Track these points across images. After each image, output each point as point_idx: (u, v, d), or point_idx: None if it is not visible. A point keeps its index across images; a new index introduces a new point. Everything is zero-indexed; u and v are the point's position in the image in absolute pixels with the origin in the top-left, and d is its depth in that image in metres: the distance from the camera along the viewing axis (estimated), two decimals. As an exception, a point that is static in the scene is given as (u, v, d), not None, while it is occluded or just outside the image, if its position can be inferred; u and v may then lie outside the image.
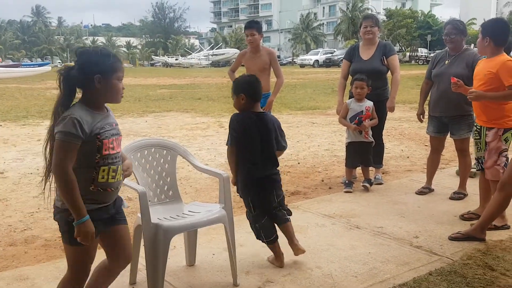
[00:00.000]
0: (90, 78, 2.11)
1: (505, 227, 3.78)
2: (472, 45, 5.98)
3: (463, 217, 4.06)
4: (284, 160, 6.53)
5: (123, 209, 2.37)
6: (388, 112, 5.23)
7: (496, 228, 3.73)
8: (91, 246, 2.16)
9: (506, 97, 3.63)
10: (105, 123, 2.15)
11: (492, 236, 3.61)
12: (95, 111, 2.14)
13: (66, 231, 2.14)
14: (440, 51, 4.94)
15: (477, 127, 3.92)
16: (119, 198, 2.34)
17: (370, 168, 5.18)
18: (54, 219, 2.22)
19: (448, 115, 4.56)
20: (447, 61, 4.56)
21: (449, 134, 4.71)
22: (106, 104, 2.25)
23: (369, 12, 65.00)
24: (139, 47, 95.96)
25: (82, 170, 2.09)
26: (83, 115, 2.07)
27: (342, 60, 5.38)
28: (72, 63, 2.20)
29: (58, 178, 2.04)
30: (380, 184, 5.21)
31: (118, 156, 2.22)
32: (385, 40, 51.88)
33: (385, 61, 5.06)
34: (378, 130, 5.19)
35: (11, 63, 51.50)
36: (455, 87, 3.91)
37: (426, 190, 4.85)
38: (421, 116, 4.92)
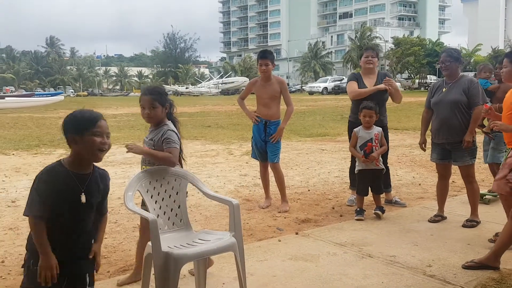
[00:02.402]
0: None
1: None
2: (474, 73, 6.01)
3: (492, 241, 4.00)
4: (294, 187, 6.51)
5: None
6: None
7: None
8: None
9: None
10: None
11: (506, 264, 3.53)
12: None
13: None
14: (437, 80, 5.00)
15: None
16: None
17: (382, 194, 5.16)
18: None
19: (450, 142, 4.58)
20: (444, 89, 4.62)
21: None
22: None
23: (378, 40, 65.86)
24: (150, 76, 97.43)
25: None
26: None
27: (348, 82, 5.59)
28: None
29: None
30: (404, 206, 5.35)
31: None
32: (393, 67, 51.99)
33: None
34: (383, 155, 5.24)
35: (24, 92, 52.46)
36: (486, 114, 3.97)
37: (438, 218, 4.80)
38: (423, 145, 4.93)
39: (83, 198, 2.17)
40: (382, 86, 5.22)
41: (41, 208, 2.12)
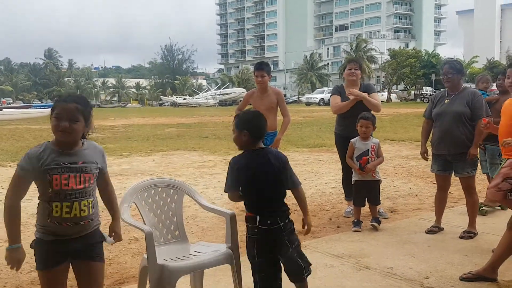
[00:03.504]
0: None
1: None
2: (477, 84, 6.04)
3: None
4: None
5: (102, 246, 2.44)
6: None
7: None
8: (46, 277, 2.30)
9: None
10: (63, 160, 2.26)
11: (504, 276, 3.52)
12: (58, 148, 2.29)
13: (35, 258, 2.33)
14: (439, 91, 5.02)
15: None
16: (97, 234, 2.40)
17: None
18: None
19: (451, 153, 4.58)
20: (447, 100, 4.63)
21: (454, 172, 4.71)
22: (88, 141, 2.40)
23: (374, 52, 66.21)
24: (148, 87, 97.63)
25: (40, 203, 2.31)
26: (38, 150, 2.28)
27: (331, 95, 5.68)
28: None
29: (4, 206, 2.29)
30: (386, 218, 5.30)
31: (74, 193, 2.28)
32: (389, 79, 52.14)
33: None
34: None
35: (22, 104, 52.43)
36: (485, 128, 3.97)
37: (435, 229, 4.78)
38: (425, 154, 4.92)
39: None
40: (351, 98, 5.29)
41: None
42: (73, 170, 2.28)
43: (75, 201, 2.28)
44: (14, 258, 2.27)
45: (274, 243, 2.76)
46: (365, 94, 5.28)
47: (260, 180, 2.77)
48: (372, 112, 5.30)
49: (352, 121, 5.08)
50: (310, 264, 2.86)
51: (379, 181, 4.99)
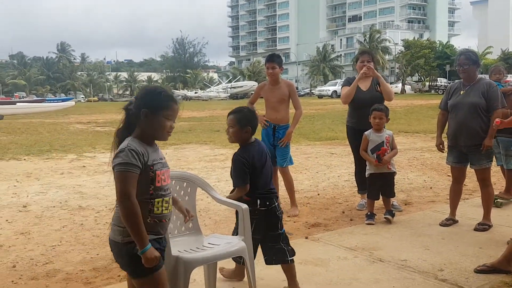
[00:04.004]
0: (139, 112, 2.23)
1: None
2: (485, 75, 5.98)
3: None
4: (304, 191, 6.49)
5: None
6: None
7: None
8: (162, 275, 2.20)
9: None
10: (155, 156, 2.26)
11: (520, 269, 3.48)
12: (145, 144, 2.24)
13: (134, 265, 2.16)
14: (454, 82, 4.95)
15: None
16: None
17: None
18: (114, 255, 2.28)
19: (467, 145, 4.53)
20: (462, 91, 4.58)
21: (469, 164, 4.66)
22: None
23: (388, 43, 65.61)
24: (160, 81, 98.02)
25: (140, 204, 2.14)
26: (137, 146, 2.18)
27: (341, 87, 5.71)
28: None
29: (124, 208, 2.10)
30: (400, 210, 5.24)
31: (169, 188, 2.32)
32: (403, 70, 51.71)
33: (379, 89, 5.31)
34: None
35: (35, 98, 52.95)
36: (497, 127, 4.06)
37: (450, 221, 4.75)
38: (441, 146, 4.88)
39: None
40: (359, 76, 5.33)
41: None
42: (165, 165, 2.31)
43: (170, 195, 2.32)
44: (152, 256, 2.11)
45: (270, 221, 3.16)
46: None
47: (262, 167, 3.17)
48: (385, 102, 5.26)
49: (365, 112, 5.04)
50: (293, 251, 3.20)
51: (394, 173, 4.96)
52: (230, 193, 3.24)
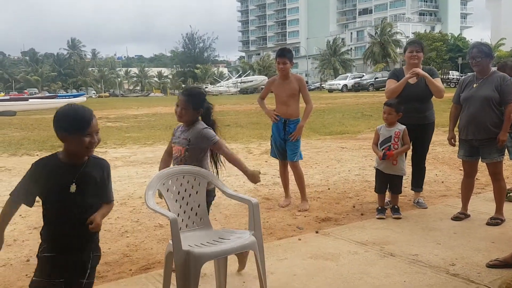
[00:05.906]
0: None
1: None
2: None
3: None
4: (314, 185, 6.48)
5: None
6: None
7: None
8: None
9: None
10: None
11: (534, 263, 3.45)
12: None
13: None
14: (467, 75, 4.88)
15: None
16: None
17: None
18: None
19: (478, 138, 4.49)
20: (475, 84, 4.52)
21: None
22: None
23: (399, 36, 64.94)
24: (170, 76, 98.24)
25: None
26: None
27: (387, 80, 5.37)
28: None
29: None
30: (425, 208, 5.15)
31: None
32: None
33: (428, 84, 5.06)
34: (421, 154, 5.22)
35: (47, 94, 53.37)
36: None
37: (462, 215, 4.71)
38: (452, 140, 4.83)
39: (73, 188, 2.20)
40: (408, 75, 5.00)
41: (19, 193, 2.26)
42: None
43: None
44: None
45: None
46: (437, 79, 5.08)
47: None
48: (434, 97, 5.12)
49: (411, 107, 4.93)
50: None
51: (401, 177, 4.89)
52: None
